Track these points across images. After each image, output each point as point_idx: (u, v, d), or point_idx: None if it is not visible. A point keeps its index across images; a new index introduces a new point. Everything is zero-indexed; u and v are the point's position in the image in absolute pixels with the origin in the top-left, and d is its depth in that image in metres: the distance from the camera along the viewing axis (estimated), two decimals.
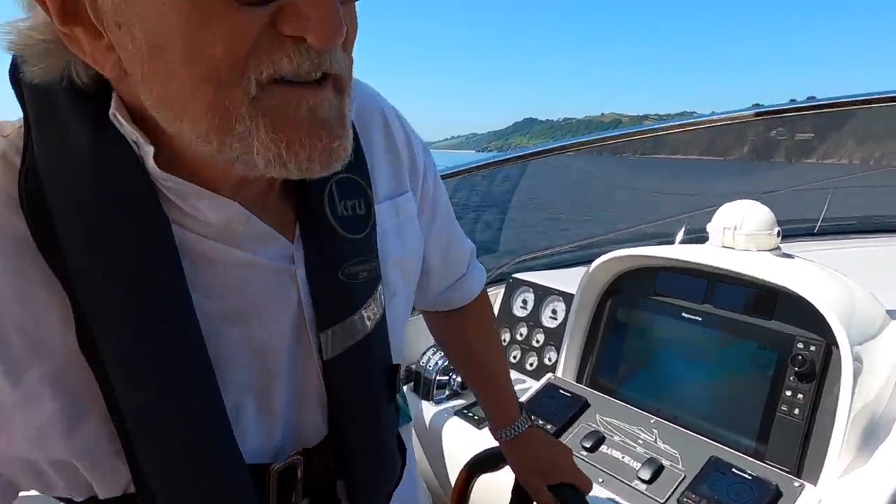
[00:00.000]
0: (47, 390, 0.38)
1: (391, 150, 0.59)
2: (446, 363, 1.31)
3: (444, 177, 1.64)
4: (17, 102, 0.40)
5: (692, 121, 1.96)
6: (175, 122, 0.36)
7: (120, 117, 0.38)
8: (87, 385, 0.39)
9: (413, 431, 0.84)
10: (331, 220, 0.48)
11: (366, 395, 0.54)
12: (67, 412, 0.39)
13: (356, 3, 0.40)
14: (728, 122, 1.86)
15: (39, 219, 0.38)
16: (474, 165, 1.61)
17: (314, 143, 0.37)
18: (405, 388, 1.36)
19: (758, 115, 1.96)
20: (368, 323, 0.52)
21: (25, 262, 0.38)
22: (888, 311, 1.08)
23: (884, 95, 1.75)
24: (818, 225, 2.48)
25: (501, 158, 1.68)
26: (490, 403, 0.84)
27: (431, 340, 1.43)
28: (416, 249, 0.62)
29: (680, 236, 1.94)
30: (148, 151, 0.38)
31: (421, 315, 1.45)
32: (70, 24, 0.35)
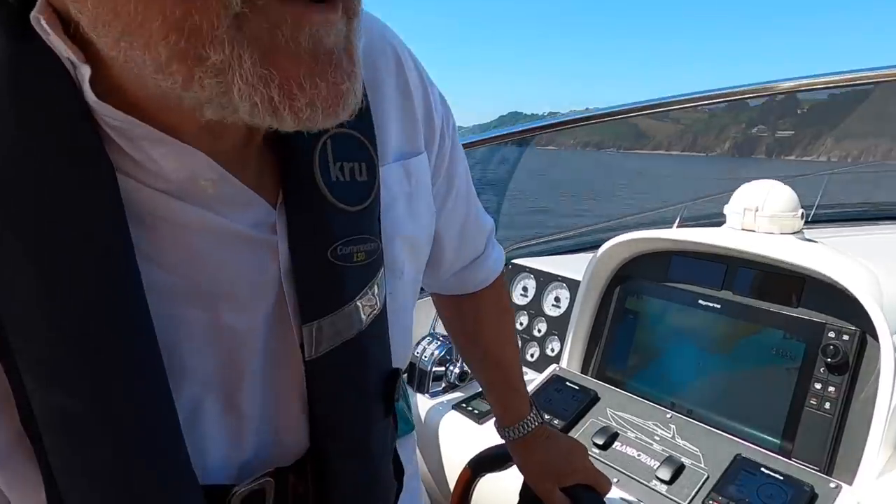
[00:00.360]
0: None
1: (405, 99, 0.48)
2: (443, 353, 1.22)
3: None
4: None
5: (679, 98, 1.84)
6: (120, 44, 0.26)
7: (46, 23, 0.27)
8: None
9: (415, 437, 0.74)
10: (321, 186, 0.38)
11: (357, 407, 0.44)
12: None
13: None
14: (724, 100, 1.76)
15: None
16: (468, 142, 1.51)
17: (317, 83, 0.28)
18: None
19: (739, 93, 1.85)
20: (364, 317, 0.42)
21: None
22: None
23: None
24: (812, 213, 2.43)
25: (493, 135, 1.58)
26: (499, 401, 0.75)
27: (426, 329, 1.34)
28: (427, 224, 0.52)
29: (677, 223, 1.88)
30: (84, 74, 0.28)
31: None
32: None
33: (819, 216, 2.43)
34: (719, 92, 1.75)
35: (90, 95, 0.28)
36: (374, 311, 0.43)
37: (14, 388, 0.29)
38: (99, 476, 0.31)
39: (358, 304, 0.41)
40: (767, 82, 1.52)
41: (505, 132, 1.62)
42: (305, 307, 0.39)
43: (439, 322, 1.29)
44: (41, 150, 0.28)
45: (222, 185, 0.34)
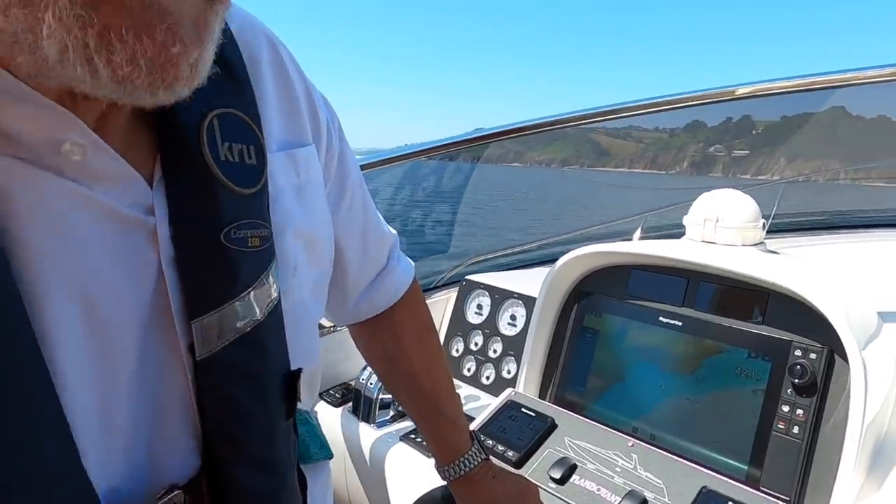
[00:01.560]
0: None
1: (286, 91, 0.44)
2: None
3: (384, 162, 1.47)
4: None
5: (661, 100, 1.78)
6: None
7: None
8: None
9: (349, 463, 0.65)
10: (210, 164, 0.35)
11: (256, 409, 0.39)
12: None
13: None
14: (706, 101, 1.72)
15: None
16: (416, 151, 1.44)
17: (142, 39, 0.25)
18: (342, 408, 1.16)
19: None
20: (258, 309, 0.37)
21: None
22: (879, 313, 0.98)
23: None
24: (769, 222, 2.44)
25: (449, 142, 1.51)
26: (432, 434, 0.67)
27: None
28: (323, 220, 0.47)
29: (637, 234, 1.83)
30: None
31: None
32: None
33: (776, 225, 2.44)
34: (671, 98, 1.72)
35: None
36: (270, 305, 0.38)
37: None
38: None
39: (254, 293, 0.36)
40: (723, 87, 1.50)
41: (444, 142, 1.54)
42: (194, 300, 0.34)
43: None
44: None
45: (93, 153, 0.29)
